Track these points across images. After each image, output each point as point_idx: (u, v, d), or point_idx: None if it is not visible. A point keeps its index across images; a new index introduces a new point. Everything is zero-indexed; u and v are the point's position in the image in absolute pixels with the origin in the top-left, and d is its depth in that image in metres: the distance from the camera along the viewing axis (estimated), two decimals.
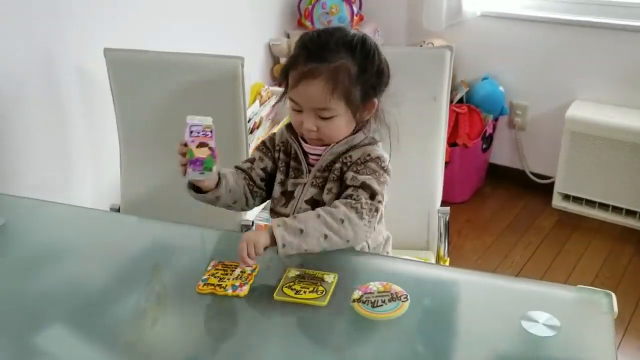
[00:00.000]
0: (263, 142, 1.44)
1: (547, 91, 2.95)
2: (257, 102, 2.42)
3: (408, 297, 1.14)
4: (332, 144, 1.32)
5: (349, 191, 1.27)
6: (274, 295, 1.17)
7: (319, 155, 1.35)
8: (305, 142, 1.35)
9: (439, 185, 1.69)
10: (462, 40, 2.91)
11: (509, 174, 3.18)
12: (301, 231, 1.19)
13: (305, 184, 1.36)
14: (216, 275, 1.23)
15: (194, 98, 1.73)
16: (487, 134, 3.00)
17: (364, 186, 1.26)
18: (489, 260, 2.64)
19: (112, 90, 1.78)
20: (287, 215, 1.37)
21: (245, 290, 1.19)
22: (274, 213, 1.41)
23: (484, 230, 2.85)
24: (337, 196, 1.32)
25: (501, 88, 2.98)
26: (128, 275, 1.30)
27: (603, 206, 2.84)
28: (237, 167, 1.41)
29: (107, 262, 1.35)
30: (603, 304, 1.12)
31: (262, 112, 2.39)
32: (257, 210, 2.36)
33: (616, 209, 2.81)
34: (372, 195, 1.26)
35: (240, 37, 2.76)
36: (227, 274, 1.23)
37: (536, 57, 2.92)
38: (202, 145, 1.25)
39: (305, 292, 1.17)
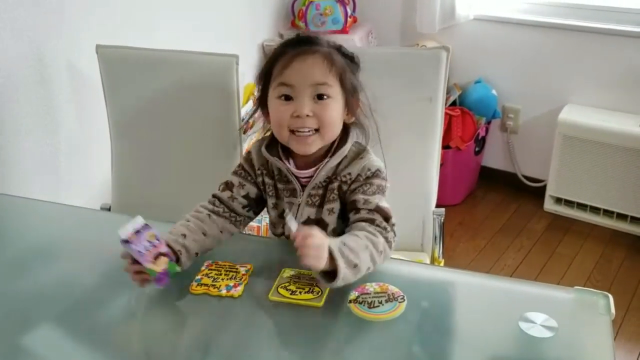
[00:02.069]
0: (241, 167, 1.34)
1: (540, 95, 2.95)
2: (251, 102, 2.40)
3: (405, 297, 1.13)
4: (324, 162, 1.26)
5: (365, 214, 1.21)
6: (269, 295, 1.15)
7: (310, 176, 1.28)
8: (290, 160, 1.28)
9: (434, 187, 1.68)
10: (455, 43, 2.89)
11: (501, 177, 3.19)
12: (355, 266, 1.11)
13: (299, 204, 1.29)
14: (210, 275, 1.22)
15: (187, 96, 1.71)
16: (480, 136, 3.00)
17: (379, 209, 1.22)
18: (481, 262, 2.64)
19: (103, 88, 1.76)
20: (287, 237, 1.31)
21: (239, 290, 1.18)
22: (276, 236, 1.37)
23: (476, 233, 2.85)
24: (340, 214, 1.28)
25: (494, 91, 2.98)
26: (119, 276, 1.27)
27: (594, 209, 2.85)
28: (215, 196, 1.33)
29: (98, 262, 1.33)
30: (600, 306, 1.12)
31: (256, 113, 2.37)
32: None
33: (607, 213, 2.81)
34: (387, 218, 1.22)
35: (234, 38, 2.74)
36: (221, 274, 1.22)
37: (529, 60, 2.93)
38: (157, 256, 1.14)
39: (300, 292, 1.16)
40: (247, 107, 2.35)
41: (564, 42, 2.82)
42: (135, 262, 1.14)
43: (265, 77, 1.27)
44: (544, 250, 2.71)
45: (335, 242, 1.11)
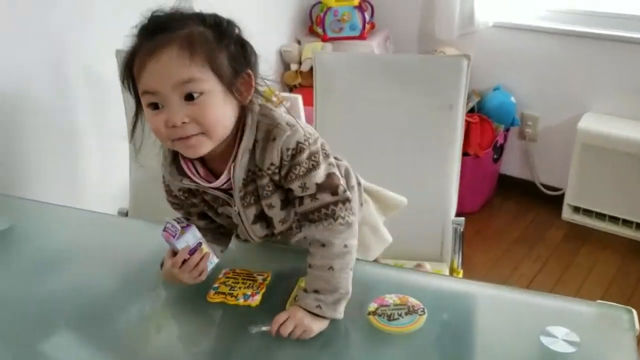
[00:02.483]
0: (169, 201, 1.26)
1: (559, 103, 2.92)
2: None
3: (425, 310, 1.11)
4: (230, 164, 1.10)
5: (310, 203, 1.09)
6: (287, 305, 1.14)
7: (225, 183, 1.13)
8: (199, 168, 1.14)
9: (454, 195, 1.67)
10: (474, 50, 2.88)
11: (519, 185, 3.16)
12: (335, 290, 1.09)
13: (238, 211, 1.17)
14: (227, 283, 1.21)
15: None
16: (498, 144, 2.97)
17: (321, 188, 1.09)
18: (498, 272, 2.61)
19: (122, 93, 1.76)
20: (246, 240, 1.25)
21: (257, 299, 1.17)
22: (237, 238, 1.29)
23: (493, 242, 2.82)
24: (283, 204, 1.16)
25: (513, 99, 2.96)
26: (135, 281, 1.28)
27: (613, 219, 2.81)
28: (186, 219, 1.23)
29: (115, 267, 1.33)
30: (624, 321, 1.10)
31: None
32: None
33: (626, 222, 2.78)
34: (334, 191, 1.09)
35: (252, 43, 2.74)
36: (238, 283, 1.21)
37: (548, 68, 2.90)
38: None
39: None
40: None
41: (584, 50, 2.79)
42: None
43: (130, 80, 1.07)
44: (562, 261, 2.68)
45: (310, 302, 1.08)
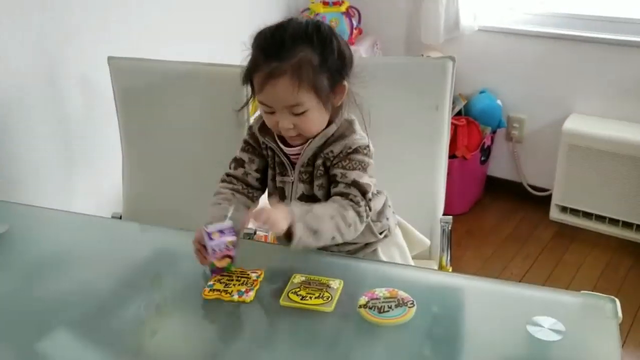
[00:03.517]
0: (247, 142, 1.42)
1: (544, 104, 2.97)
2: (258, 111, 2.42)
3: (414, 302, 1.15)
4: (309, 141, 1.31)
5: (342, 188, 1.29)
6: (280, 301, 1.17)
7: (298, 154, 1.34)
8: (282, 141, 1.34)
9: (441, 194, 1.70)
10: (459, 54, 2.88)
11: (507, 187, 3.20)
12: (315, 232, 1.20)
13: (292, 182, 1.37)
14: (222, 281, 1.23)
15: (197, 106, 1.74)
16: (486, 146, 3.02)
17: (356, 184, 1.28)
18: (488, 271, 2.65)
19: (115, 98, 1.79)
20: None
21: (251, 295, 1.19)
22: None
23: (482, 242, 2.86)
24: (328, 190, 1.34)
25: (499, 101, 3.00)
26: (132, 282, 1.30)
27: (600, 218, 2.85)
28: (230, 175, 1.41)
29: (111, 268, 1.35)
30: (607, 309, 1.13)
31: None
32: None
33: (613, 221, 2.82)
34: (363, 192, 1.28)
35: (242, 49, 2.77)
36: (232, 280, 1.24)
37: (533, 71, 2.95)
38: (224, 257, 1.23)
39: (311, 297, 1.17)
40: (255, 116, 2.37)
41: (568, 52, 2.84)
42: (204, 246, 1.23)
43: (249, 81, 1.31)
44: (551, 259, 2.72)
45: (299, 209, 1.21)
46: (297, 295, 1.18)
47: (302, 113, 1.25)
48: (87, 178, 2.13)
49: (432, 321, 1.15)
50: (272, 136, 1.35)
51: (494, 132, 3.06)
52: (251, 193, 1.41)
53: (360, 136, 1.33)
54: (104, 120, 2.02)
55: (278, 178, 1.38)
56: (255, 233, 1.79)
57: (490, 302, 1.21)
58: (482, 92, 3.03)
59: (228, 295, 1.20)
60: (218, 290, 1.21)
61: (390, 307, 1.14)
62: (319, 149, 1.32)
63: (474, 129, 2.93)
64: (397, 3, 3.15)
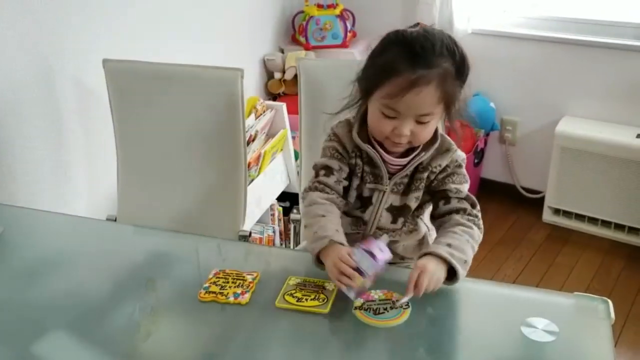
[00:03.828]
0: (335, 150, 1.34)
1: (537, 107, 2.99)
2: (253, 115, 2.43)
3: (409, 304, 1.15)
4: (420, 155, 1.29)
5: (456, 204, 1.30)
6: (276, 302, 1.18)
7: (402, 165, 1.31)
8: (383, 148, 1.30)
9: None
10: None
11: (500, 189, 3.21)
12: (465, 262, 1.20)
13: (385, 191, 1.33)
14: (217, 283, 1.24)
15: (193, 109, 1.74)
16: (479, 148, 3.03)
17: (468, 198, 1.31)
18: (481, 273, 2.65)
19: (110, 101, 1.79)
20: (363, 220, 1.36)
21: (246, 297, 1.20)
22: (349, 216, 1.38)
23: None
24: (422, 203, 1.35)
25: (492, 104, 3.02)
26: (127, 284, 1.30)
27: (592, 220, 2.87)
28: (322, 183, 1.33)
29: (106, 271, 1.35)
30: (600, 310, 1.15)
31: (258, 126, 2.41)
32: (252, 221, 2.37)
33: (605, 223, 2.84)
34: (474, 205, 1.31)
35: (235, 52, 2.78)
36: (228, 282, 1.24)
37: (526, 74, 2.97)
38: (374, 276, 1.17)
39: (306, 299, 1.18)
40: (249, 121, 2.38)
41: (561, 56, 2.86)
42: (357, 270, 1.14)
43: (373, 83, 1.24)
44: (544, 261, 2.74)
45: (442, 249, 1.19)
46: (293, 297, 1.19)
47: (426, 122, 1.23)
48: (81, 180, 2.12)
49: (427, 323, 1.16)
50: (370, 142, 1.31)
51: (487, 134, 3.08)
52: (342, 201, 1.35)
53: (460, 150, 1.35)
54: (98, 122, 2.02)
55: (368, 186, 1.34)
56: (250, 235, 1.80)
57: (485, 303, 1.22)
58: (475, 95, 3.04)
59: (224, 297, 1.20)
60: (214, 292, 1.21)
61: (385, 309, 1.15)
62: (426, 162, 1.31)
63: (468, 131, 2.94)
64: (391, 6, 3.16)
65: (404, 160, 1.31)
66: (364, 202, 1.36)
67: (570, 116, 2.89)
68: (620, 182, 2.73)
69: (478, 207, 1.31)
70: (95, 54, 1.83)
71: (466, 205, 1.30)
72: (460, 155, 1.34)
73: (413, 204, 1.34)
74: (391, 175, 1.33)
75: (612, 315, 1.13)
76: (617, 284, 2.57)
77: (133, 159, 1.83)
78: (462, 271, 1.18)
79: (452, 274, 1.18)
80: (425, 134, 1.26)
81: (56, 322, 1.19)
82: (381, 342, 1.10)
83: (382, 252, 1.17)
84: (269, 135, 2.55)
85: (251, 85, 2.88)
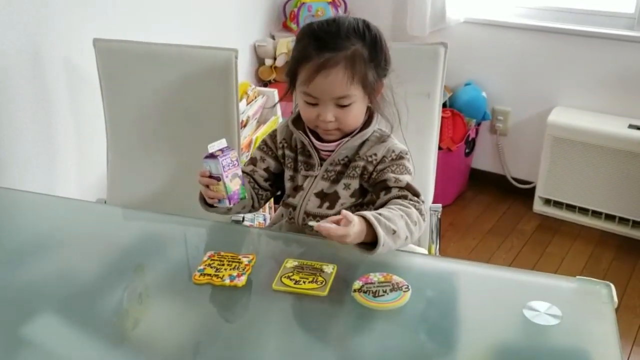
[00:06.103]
0: (264, 142, 1.43)
1: (529, 97, 2.99)
2: (244, 101, 2.40)
3: (409, 287, 1.13)
4: (346, 139, 1.32)
5: (397, 192, 1.29)
6: (273, 285, 1.15)
7: (331, 150, 1.34)
8: (315, 135, 1.34)
9: (431, 182, 1.69)
10: None
11: (491, 179, 3.21)
12: (394, 232, 1.16)
13: (315, 176, 1.36)
14: (213, 265, 1.21)
15: (185, 90, 1.70)
16: (470, 138, 3.02)
17: (409, 187, 1.29)
18: None
19: (100, 82, 1.75)
20: (294, 206, 1.38)
21: (243, 280, 1.17)
22: (285, 205, 1.42)
23: (467, 234, 2.86)
24: (358, 193, 1.35)
25: (484, 93, 3.01)
26: (118, 267, 1.27)
27: (583, 210, 2.88)
28: (243, 172, 1.38)
29: (96, 253, 1.32)
30: (603, 294, 1.14)
31: (249, 112, 2.38)
32: None
33: (596, 214, 2.85)
34: (416, 194, 1.29)
35: (226, 38, 2.74)
36: (223, 265, 1.21)
37: (518, 63, 2.96)
38: (234, 177, 1.25)
39: (304, 282, 1.15)
40: (241, 106, 2.35)
41: (553, 45, 2.85)
42: (211, 177, 1.24)
43: (293, 74, 1.30)
44: (534, 251, 2.73)
45: (370, 213, 1.16)
46: (290, 279, 1.16)
47: (347, 106, 1.26)
48: (71, 163, 2.08)
49: (427, 305, 1.14)
50: (304, 131, 1.36)
51: (478, 124, 3.06)
52: (256, 189, 1.41)
53: (398, 142, 1.36)
54: (88, 103, 1.99)
55: (302, 174, 1.38)
56: (243, 219, 1.76)
57: (486, 286, 1.20)
58: (467, 84, 3.03)
59: (219, 279, 1.17)
60: (209, 274, 1.18)
61: (385, 292, 1.12)
62: (357, 150, 1.33)
63: (459, 120, 2.93)
64: None
65: (332, 146, 1.34)
66: (298, 189, 1.39)
67: (562, 106, 2.89)
68: (611, 172, 2.73)
69: (422, 197, 1.29)
70: (86, 34, 1.79)
71: (407, 193, 1.28)
72: (399, 147, 1.34)
73: (341, 191, 1.35)
74: (323, 161, 1.36)
75: (615, 299, 1.11)
76: (608, 274, 2.57)
77: (123, 140, 1.79)
78: (387, 238, 1.14)
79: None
80: (351, 118, 1.29)
81: (47, 303, 1.16)
82: (380, 325, 1.08)
83: (222, 151, 1.24)
84: (260, 122, 2.52)
85: (242, 72, 2.84)
